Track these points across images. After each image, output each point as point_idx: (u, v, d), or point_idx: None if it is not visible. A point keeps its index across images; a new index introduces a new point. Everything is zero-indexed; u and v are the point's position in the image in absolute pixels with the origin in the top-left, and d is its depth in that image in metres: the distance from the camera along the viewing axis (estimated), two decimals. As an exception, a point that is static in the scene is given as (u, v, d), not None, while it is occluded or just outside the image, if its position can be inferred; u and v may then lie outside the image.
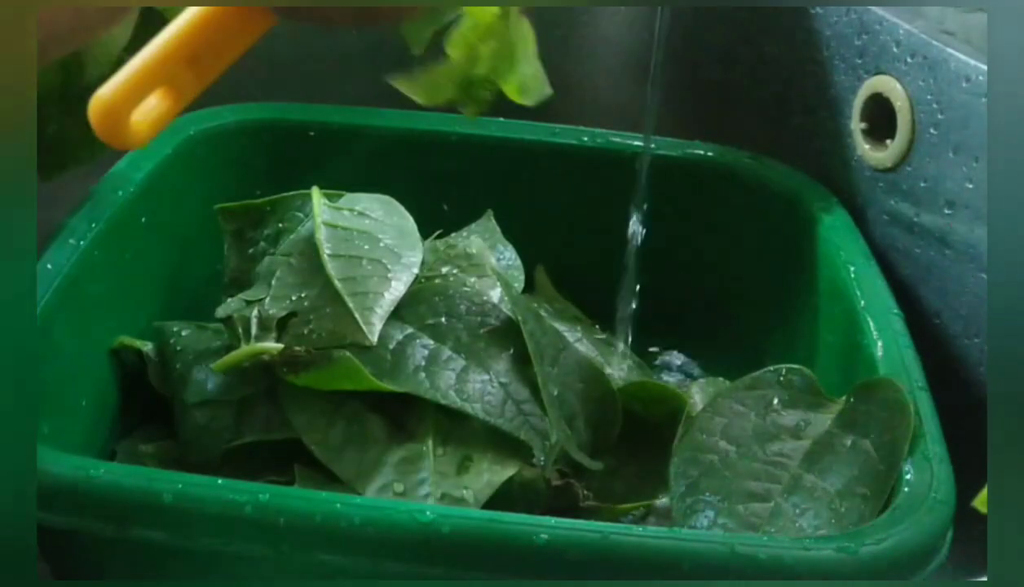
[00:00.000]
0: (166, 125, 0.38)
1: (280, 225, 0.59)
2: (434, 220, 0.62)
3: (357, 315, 0.52)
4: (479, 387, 0.52)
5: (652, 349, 0.67)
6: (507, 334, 0.54)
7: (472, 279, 0.57)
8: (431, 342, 0.53)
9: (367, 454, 0.50)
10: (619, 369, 0.61)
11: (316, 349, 0.51)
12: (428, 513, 0.41)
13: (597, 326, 0.65)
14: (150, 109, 0.37)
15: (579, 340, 0.62)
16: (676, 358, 0.68)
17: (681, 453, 0.52)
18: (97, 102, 0.36)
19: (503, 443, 0.51)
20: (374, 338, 0.51)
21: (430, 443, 0.51)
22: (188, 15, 0.38)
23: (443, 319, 0.54)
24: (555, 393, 0.53)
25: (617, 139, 0.69)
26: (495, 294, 0.56)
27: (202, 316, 0.58)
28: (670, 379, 0.66)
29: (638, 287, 0.66)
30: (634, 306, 0.64)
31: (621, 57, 0.81)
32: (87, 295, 0.53)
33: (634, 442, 0.55)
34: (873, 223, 0.64)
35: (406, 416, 0.51)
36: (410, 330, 0.53)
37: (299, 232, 0.58)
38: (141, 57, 0.37)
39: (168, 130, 0.43)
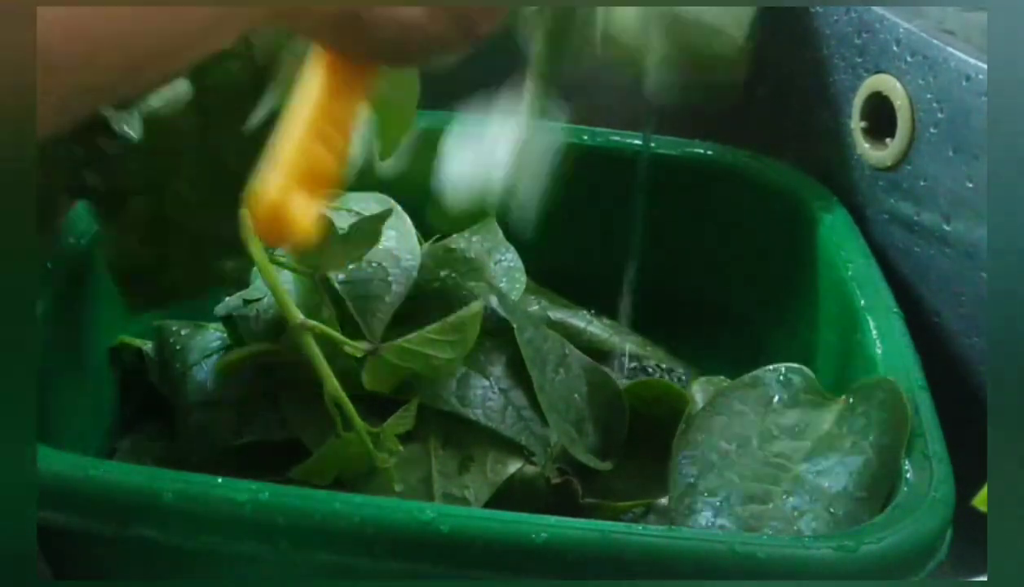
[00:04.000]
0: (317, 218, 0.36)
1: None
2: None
3: (359, 319, 0.52)
4: (480, 393, 0.52)
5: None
6: (507, 340, 0.54)
7: (471, 284, 0.57)
8: None
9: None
10: (626, 341, 0.62)
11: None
12: (428, 512, 0.41)
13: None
14: (304, 203, 0.36)
15: (591, 322, 0.63)
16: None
17: (681, 452, 0.52)
18: (262, 202, 0.35)
19: (504, 442, 0.51)
20: (376, 342, 0.51)
21: (432, 443, 0.51)
22: (300, 97, 0.37)
23: None
24: (558, 398, 0.53)
25: (617, 139, 0.69)
26: (495, 299, 0.56)
27: (202, 316, 0.58)
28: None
29: (637, 286, 0.66)
30: (634, 305, 0.64)
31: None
32: (87, 295, 0.53)
33: (635, 440, 0.55)
34: (873, 223, 0.64)
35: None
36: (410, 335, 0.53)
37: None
38: (286, 143, 0.36)
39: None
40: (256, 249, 0.47)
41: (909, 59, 0.61)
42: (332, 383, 0.47)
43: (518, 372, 0.53)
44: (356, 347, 0.49)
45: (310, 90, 0.37)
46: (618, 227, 0.65)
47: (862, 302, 0.56)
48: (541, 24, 0.47)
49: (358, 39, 0.36)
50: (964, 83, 0.57)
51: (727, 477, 0.49)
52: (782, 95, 0.72)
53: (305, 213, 0.36)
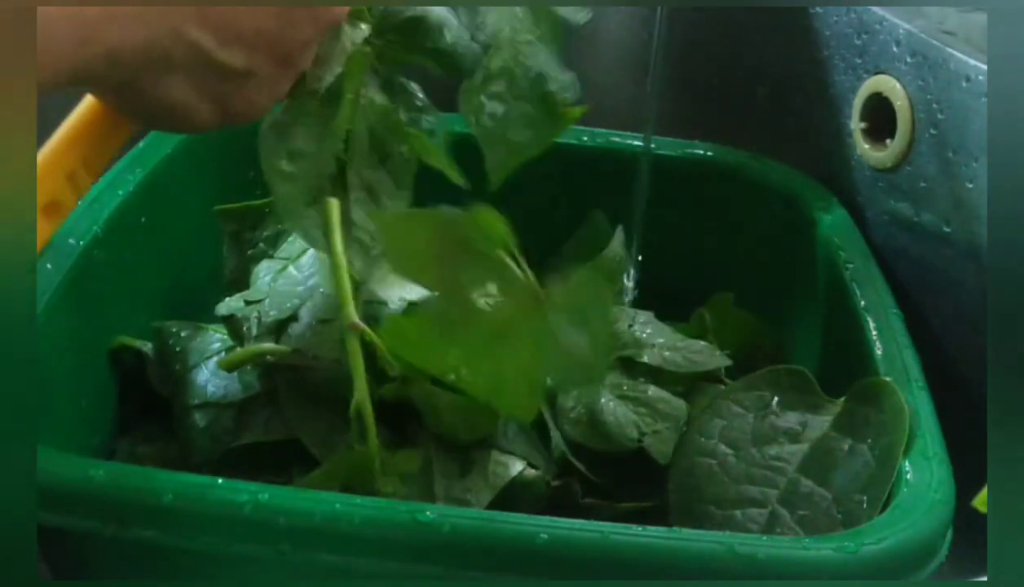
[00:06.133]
0: (45, 244, 0.39)
1: (279, 226, 0.59)
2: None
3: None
4: None
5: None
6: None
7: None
8: None
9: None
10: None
11: (318, 355, 0.51)
12: (428, 513, 0.41)
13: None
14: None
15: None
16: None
17: (680, 456, 0.52)
18: None
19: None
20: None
21: (434, 446, 0.51)
22: (63, 134, 0.40)
23: None
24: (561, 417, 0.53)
25: (617, 139, 0.69)
26: None
27: (202, 316, 0.58)
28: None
29: (637, 286, 0.66)
30: (633, 305, 0.64)
31: (621, 57, 0.81)
32: (87, 295, 0.53)
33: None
34: (873, 223, 0.64)
35: (405, 422, 0.51)
36: None
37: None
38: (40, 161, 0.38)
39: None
40: (334, 241, 0.47)
41: (909, 60, 0.61)
42: (363, 391, 0.47)
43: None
44: (393, 365, 0.49)
45: (75, 126, 0.40)
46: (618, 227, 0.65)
47: (862, 302, 0.56)
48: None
49: (134, 105, 0.39)
50: (964, 84, 0.57)
51: (725, 482, 0.49)
52: (782, 95, 0.72)
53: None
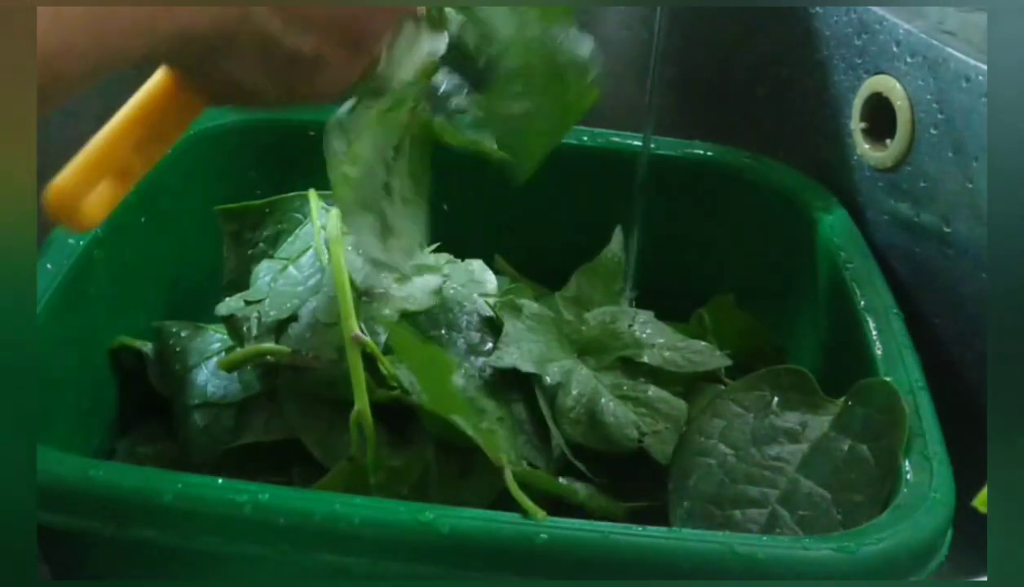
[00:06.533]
0: (114, 208, 0.39)
1: (279, 226, 0.59)
2: (434, 220, 0.61)
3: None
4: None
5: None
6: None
7: (475, 295, 0.56)
8: None
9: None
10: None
11: (318, 355, 0.51)
12: (428, 513, 0.41)
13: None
14: (101, 194, 0.39)
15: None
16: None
17: (680, 456, 0.51)
18: (53, 190, 0.37)
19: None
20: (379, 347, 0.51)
21: (433, 446, 0.51)
22: (132, 105, 0.40)
23: (443, 332, 0.54)
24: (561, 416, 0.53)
25: (617, 139, 0.69)
26: (490, 309, 0.56)
27: (202, 316, 0.58)
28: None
29: (637, 286, 0.66)
30: (633, 305, 0.64)
31: (621, 57, 0.80)
32: (87, 295, 0.53)
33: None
34: (873, 223, 0.64)
35: (405, 422, 0.51)
36: None
37: (298, 235, 0.58)
38: (92, 146, 0.39)
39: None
40: (335, 250, 0.47)
41: (909, 60, 0.61)
42: (364, 403, 0.47)
43: (517, 385, 0.53)
44: (394, 376, 0.49)
45: (144, 98, 0.40)
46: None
47: (862, 303, 0.56)
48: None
49: (201, 84, 0.39)
50: (964, 84, 0.57)
51: (725, 483, 0.49)
52: (782, 95, 0.72)
53: (96, 204, 0.38)
